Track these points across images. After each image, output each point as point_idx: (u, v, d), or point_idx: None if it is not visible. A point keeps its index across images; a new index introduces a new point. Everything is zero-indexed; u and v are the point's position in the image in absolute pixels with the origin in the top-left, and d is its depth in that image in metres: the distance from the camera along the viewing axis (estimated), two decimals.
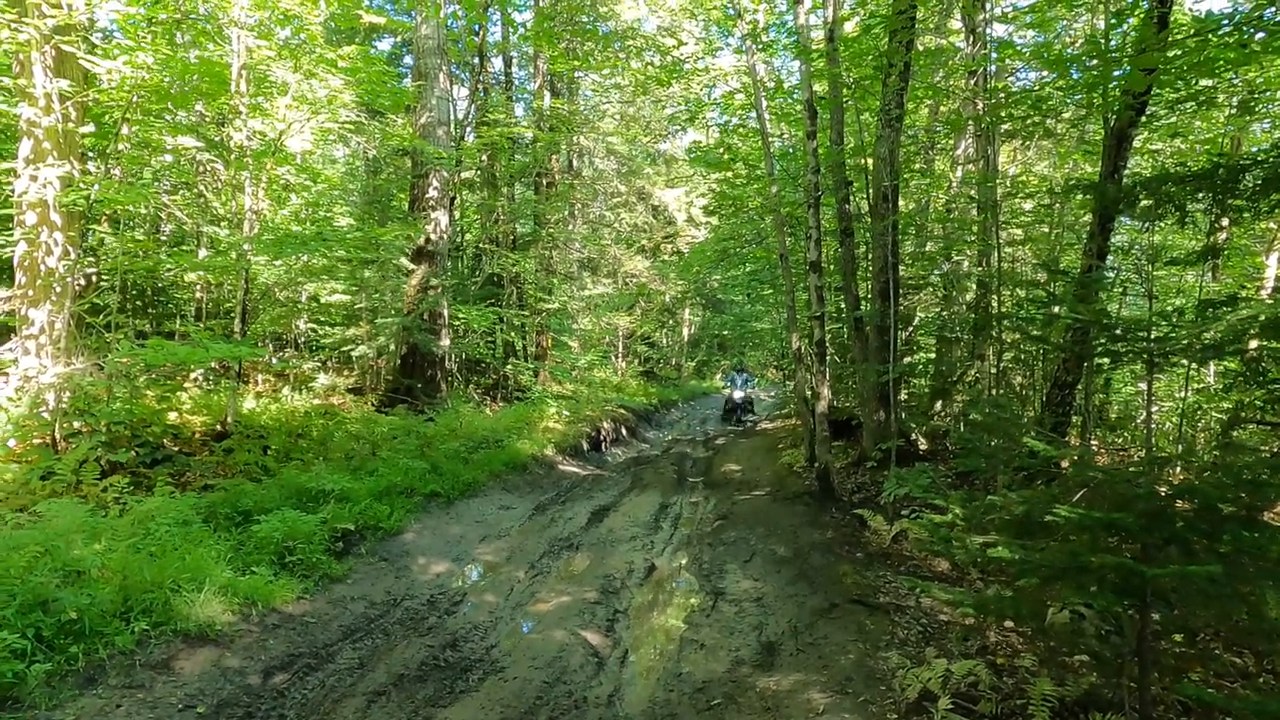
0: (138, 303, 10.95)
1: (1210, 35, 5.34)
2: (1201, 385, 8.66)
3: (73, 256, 7.16)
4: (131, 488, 6.16)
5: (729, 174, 13.20)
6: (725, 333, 25.67)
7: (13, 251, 7.11)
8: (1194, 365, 7.04)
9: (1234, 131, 9.93)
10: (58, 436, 6.60)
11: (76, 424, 6.84)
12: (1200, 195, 4.76)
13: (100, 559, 4.55)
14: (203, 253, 9.96)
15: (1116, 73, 6.07)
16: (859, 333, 9.14)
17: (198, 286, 11.14)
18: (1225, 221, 8.75)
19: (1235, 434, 7.11)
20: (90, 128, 7.37)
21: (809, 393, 10.02)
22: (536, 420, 12.82)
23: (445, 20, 13.04)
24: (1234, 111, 9.18)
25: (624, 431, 15.72)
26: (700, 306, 29.06)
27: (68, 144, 7.14)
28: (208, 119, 10.44)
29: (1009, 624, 4.53)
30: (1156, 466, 3.52)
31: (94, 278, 8.65)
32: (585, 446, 13.05)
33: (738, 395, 19.43)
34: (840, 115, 9.28)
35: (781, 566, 6.21)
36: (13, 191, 7.11)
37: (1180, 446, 7.84)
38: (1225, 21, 5.37)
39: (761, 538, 7.09)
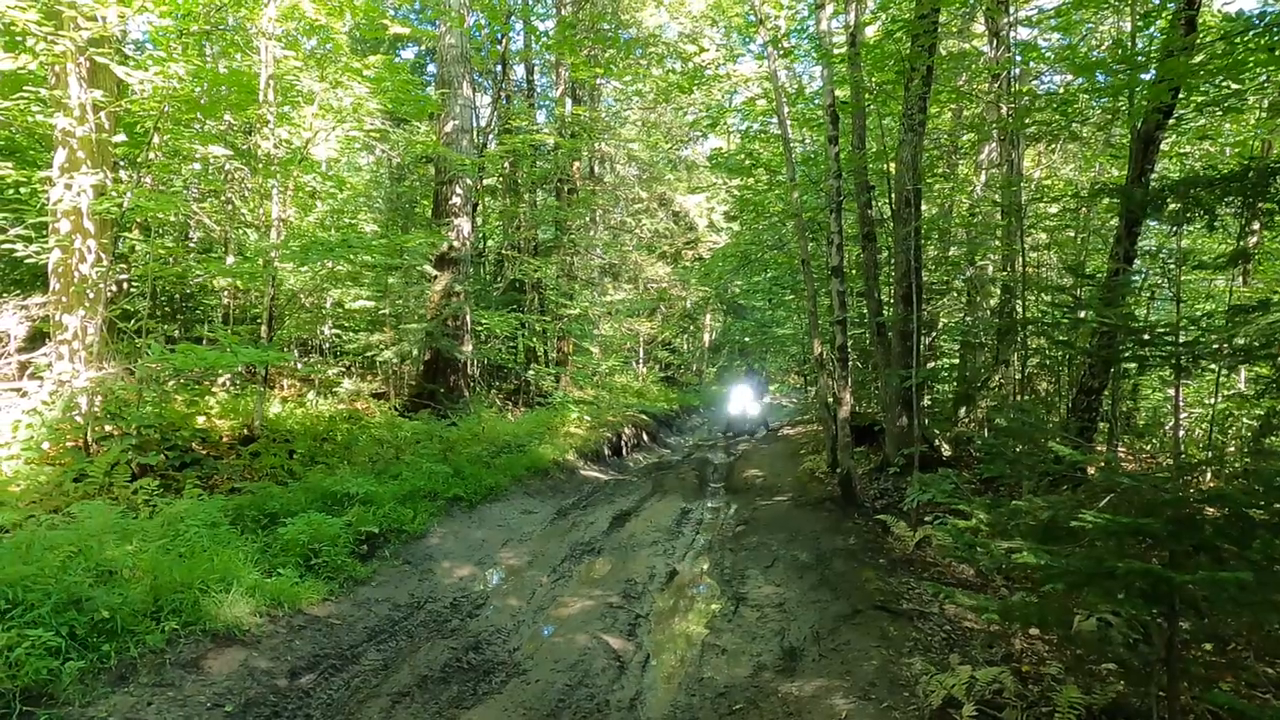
0: (167, 308, 11.14)
1: (1238, 39, 5.28)
2: (1232, 391, 8.52)
3: (105, 263, 7.31)
4: (161, 490, 6.25)
5: (750, 180, 13.19)
6: (746, 339, 25.57)
7: (48, 258, 7.27)
8: (1224, 370, 6.94)
9: (1264, 134, 9.78)
10: (90, 440, 6.73)
11: (108, 427, 6.97)
12: (1230, 199, 4.69)
13: (131, 559, 4.63)
14: (230, 259, 10.12)
15: (1144, 76, 6.01)
16: (881, 338, 9.10)
17: (225, 292, 11.31)
18: (1256, 225, 8.63)
19: (1267, 440, 6.99)
20: (122, 137, 7.52)
21: (831, 398, 9.97)
22: (558, 425, 12.87)
23: (469, 30, 13.17)
24: (1264, 114, 9.05)
25: (645, 437, 15.73)
26: (721, 312, 29.02)
27: (101, 153, 7.29)
28: (236, 128, 10.62)
29: (1034, 631, 4.48)
30: (1185, 473, 3.47)
31: (125, 284, 8.83)
32: (606, 451, 13.07)
33: (734, 411, 16.06)
34: (862, 120, 9.26)
35: (803, 572, 6.19)
36: (48, 200, 7.27)
37: (1210, 453, 7.72)
38: (1256, 21, 5.31)
39: (783, 543, 7.06)
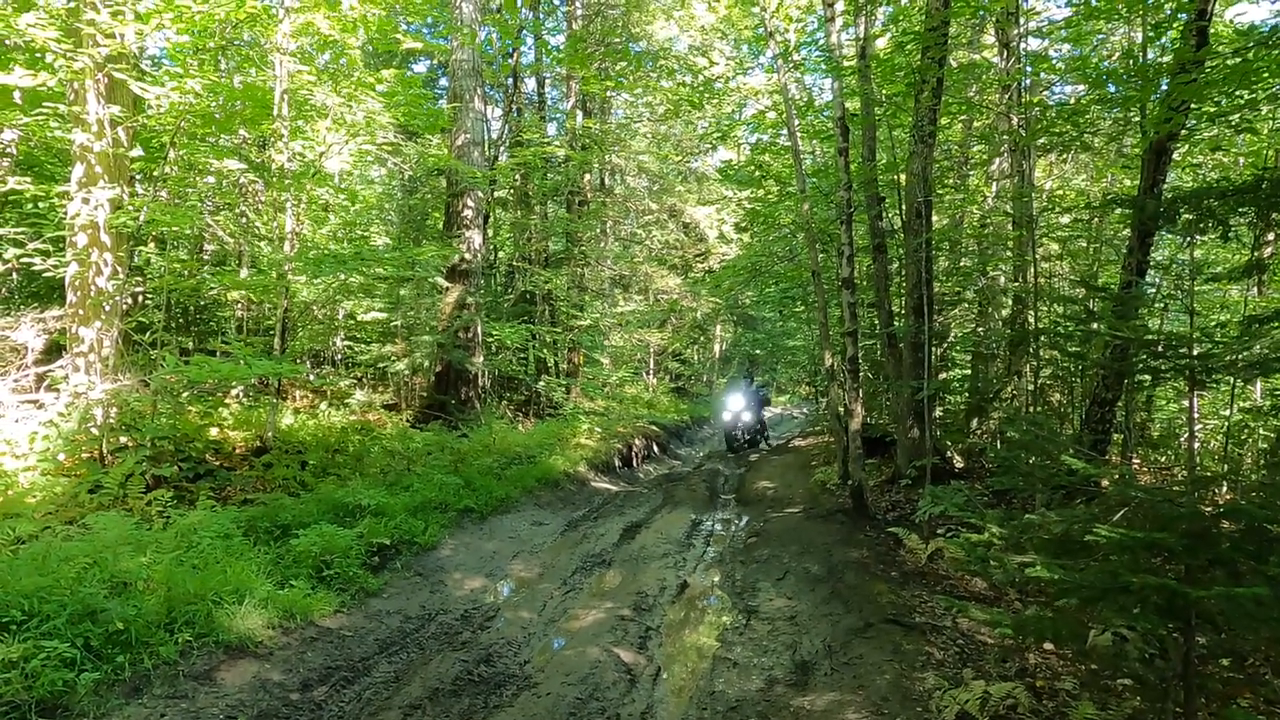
0: (182, 321, 11.23)
1: (1250, 53, 5.26)
2: (1248, 403, 8.45)
3: (121, 276, 7.39)
4: (175, 501, 6.30)
5: (760, 191, 13.21)
6: (757, 350, 25.53)
7: (65, 272, 7.35)
8: (1240, 382, 6.89)
9: (1279, 145, 9.72)
10: (105, 451, 6.78)
11: (123, 439, 7.02)
12: (1243, 209, 4.67)
13: (145, 571, 4.66)
14: (244, 272, 10.20)
15: (1163, 86, 5.99)
16: (892, 349, 9.07)
17: (239, 304, 11.40)
18: (1270, 236, 8.58)
19: None
20: (139, 151, 7.61)
21: (842, 410, 9.95)
22: (569, 437, 12.88)
23: (480, 44, 13.28)
24: (1279, 125, 8.99)
25: (655, 448, 15.71)
26: (732, 323, 29.02)
27: (118, 168, 7.39)
28: (250, 142, 10.72)
29: (1049, 646, 4.44)
30: (1200, 486, 3.45)
31: (140, 297, 8.91)
32: (617, 463, 13.06)
33: (726, 417, 15.44)
34: (872, 132, 9.27)
35: (815, 585, 6.16)
36: (66, 214, 7.35)
37: (1226, 466, 7.65)
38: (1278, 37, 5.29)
39: (795, 555, 7.03)
